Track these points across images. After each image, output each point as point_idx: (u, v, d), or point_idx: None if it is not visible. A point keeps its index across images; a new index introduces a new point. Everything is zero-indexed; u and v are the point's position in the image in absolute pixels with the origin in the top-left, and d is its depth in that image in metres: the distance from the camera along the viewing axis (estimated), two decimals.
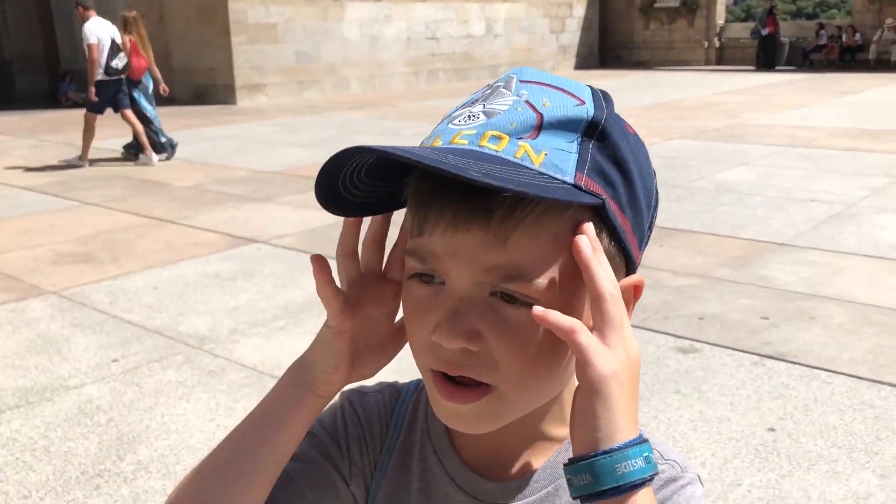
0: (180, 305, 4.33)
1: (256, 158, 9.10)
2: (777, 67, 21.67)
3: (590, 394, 0.60)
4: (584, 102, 0.65)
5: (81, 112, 9.30)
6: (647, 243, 0.73)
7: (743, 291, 4.31)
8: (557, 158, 0.62)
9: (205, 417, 3.09)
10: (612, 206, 0.64)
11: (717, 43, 23.63)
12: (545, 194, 0.59)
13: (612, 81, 18.48)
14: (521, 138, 0.62)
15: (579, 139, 0.63)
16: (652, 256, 4.96)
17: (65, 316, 4.22)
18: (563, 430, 0.76)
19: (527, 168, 0.61)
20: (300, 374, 0.73)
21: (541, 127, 0.63)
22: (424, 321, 0.66)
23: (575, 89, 0.67)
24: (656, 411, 3.02)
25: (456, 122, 0.66)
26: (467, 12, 19.79)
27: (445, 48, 19.40)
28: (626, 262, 0.69)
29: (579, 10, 23.07)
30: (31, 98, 17.12)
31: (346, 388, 0.84)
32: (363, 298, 0.72)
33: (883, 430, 2.85)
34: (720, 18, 23.89)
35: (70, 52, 17.07)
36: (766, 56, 21.67)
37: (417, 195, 0.66)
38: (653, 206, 0.71)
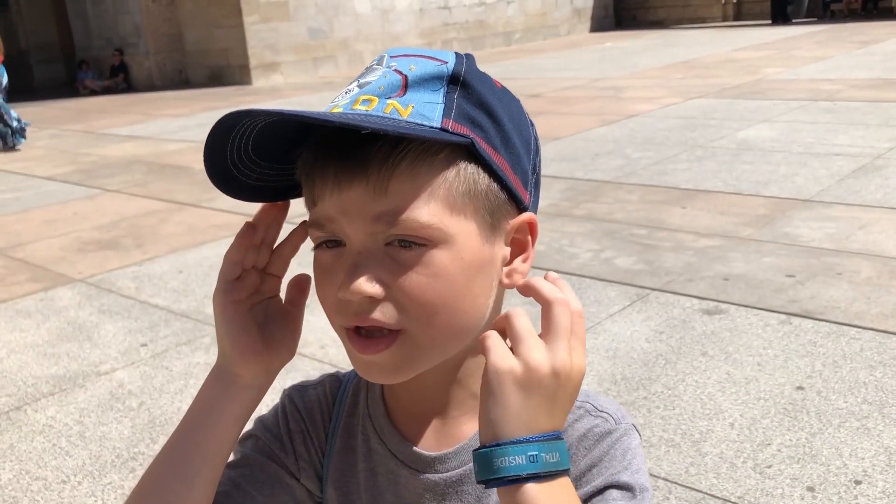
0: (206, 288, 4.37)
1: None
2: (794, 20, 21.22)
3: (485, 387, 0.64)
4: (446, 62, 0.69)
5: (101, 100, 9.36)
6: (534, 186, 0.76)
7: (767, 250, 4.27)
8: (424, 109, 0.66)
9: None
10: (482, 146, 0.68)
11: None
12: (407, 131, 0.63)
13: (629, 42, 18.23)
14: (389, 98, 0.67)
15: (444, 90, 0.68)
16: (674, 218, 4.92)
17: (93, 303, 4.28)
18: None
19: (395, 119, 0.65)
20: (219, 369, 0.75)
21: (406, 86, 0.67)
22: (332, 283, 0.69)
23: (440, 55, 0.71)
24: (683, 374, 3.01)
25: (334, 100, 0.70)
26: None
27: (458, 17, 19.21)
28: (514, 202, 0.72)
29: None
30: (50, 87, 17.24)
31: (288, 386, 0.88)
32: (243, 283, 0.76)
33: None
34: None
35: (85, 40, 17.12)
36: (774, 9, 21.22)
37: (305, 167, 0.70)
38: (533, 151, 0.75)
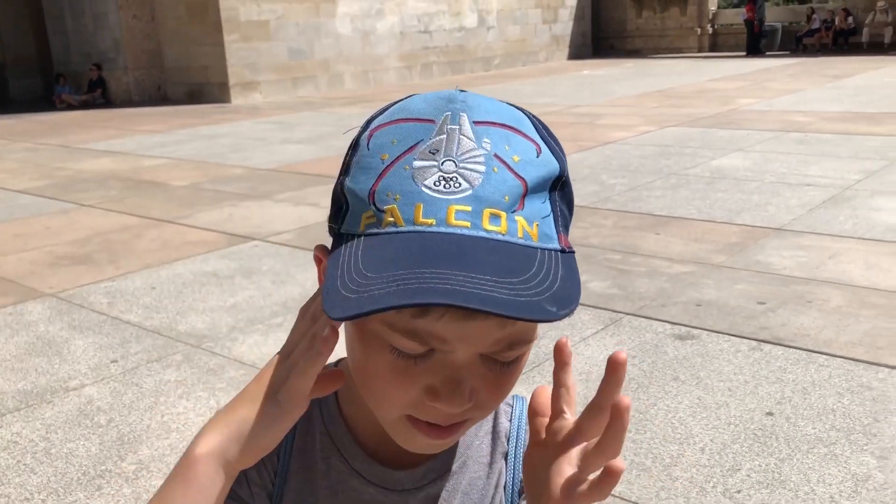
0: (178, 305, 4.33)
1: (252, 156, 9.10)
2: (768, 53, 21.62)
3: None
4: (539, 148, 0.65)
5: (77, 114, 9.29)
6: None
7: (740, 277, 4.32)
8: (544, 225, 0.63)
9: (205, 416, 3.09)
10: (567, 248, 0.66)
11: (709, 30, 23.59)
12: (569, 309, 0.58)
13: (606, 70, 18.46)
14: (514, 212, 0.61)
15: (548, 195, 0.64)
16: (648, 244, 4.97)
17: (63, 318, 4.23)
18: None
19: (532, 249, 0.61)
20: (228, 466, 0.67)
21: (525, 195, 0.62)
22: (406, 385, 0.65)
23: (523, 126, 0.66)
24: (655, 398, 3.03)
25: (431, 184, 0.61)
26: (460, 4, 19.75)
27: (438, 41, 19.36)
28: None
29: (571, 0, 23.02)
30: (26, 101, 17.09)
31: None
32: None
33: (881, 411, 2.86)
34: (712, 5, 23.84)
35: (63, 54, 17.03)
36: (748, 41, 21.64)
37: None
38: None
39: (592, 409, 0.62)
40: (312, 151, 9.19)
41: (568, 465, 0.61)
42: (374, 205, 0.62)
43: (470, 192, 0.61)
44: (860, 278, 4.22)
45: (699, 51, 23.30)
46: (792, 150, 7.88)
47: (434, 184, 0.61)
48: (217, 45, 15.09)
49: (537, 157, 0.64)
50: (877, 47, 20.67)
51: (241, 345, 3.76)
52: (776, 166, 7.12)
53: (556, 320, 0.57)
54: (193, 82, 15.66)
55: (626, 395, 0.65)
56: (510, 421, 0.83)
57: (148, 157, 9.41)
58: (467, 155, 0.62)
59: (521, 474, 0.80)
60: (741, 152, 7.86)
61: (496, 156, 0.62)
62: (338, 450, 0.80)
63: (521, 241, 0.61)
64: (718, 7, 24.49)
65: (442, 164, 0.61)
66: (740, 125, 9.52)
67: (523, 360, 0.67)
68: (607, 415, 0.59)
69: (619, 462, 0.57)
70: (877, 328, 3.57)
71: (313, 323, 0.69)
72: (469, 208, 0.60)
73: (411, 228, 0.60)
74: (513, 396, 0.83)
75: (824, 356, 3.32)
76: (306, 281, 4.59)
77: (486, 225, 0.60)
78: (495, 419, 0.83)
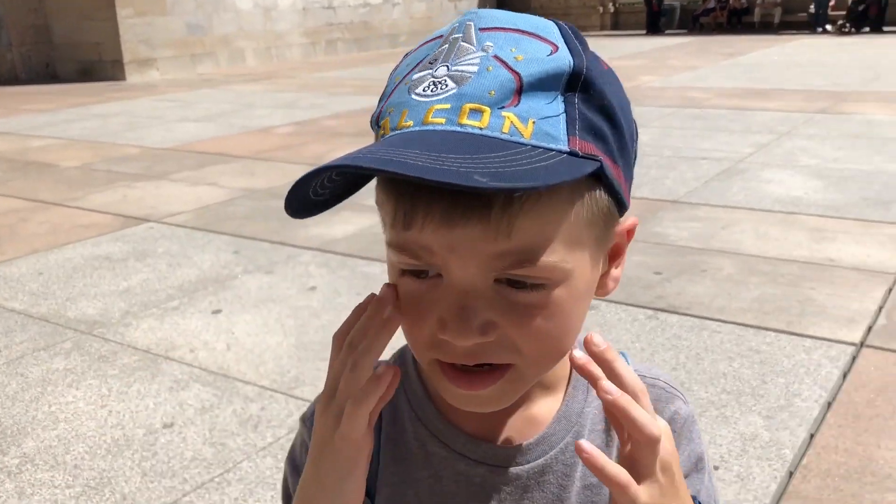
0: (68, 290, 4.14)
1: (148, 135, 8.76)
2: (667, 32, 22.21)
3: (649, 468, 0.61)
4: (557, 48, 0.58)
5: None
6: (632, 180, 0.68)
7: (638, 249, 4.42)
8: (546, 125, 0.56)
9: (96, 404, 2.97)
10: (607, 163, 0.59)
11: (611, 8, 24.04)
12: (554, 181, 0.53)
13: None
14: (503, 108, 0.56)
15: (563, 95, 0.57)
16: None
17: None
18: (561, 374, 0.76)
19: (519, 144, 0.55)
20: None
21: (521, 90, 0.56)
22: (425, 318, 0.61)
23: (544, 31, 0.60)
24: None
25: (420, 90, 0.58)
26: None
27: (343, 17, 19.08)
28: (620, 208, 0.66)
29: None
30: None
31: (303, 412, 0.80)
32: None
33: (768, 373, 2.98)
34: None
35: None
36: (648, 20, 22.23)
37: (393, 188, 0.59)
38: (635, 140, 0.67)
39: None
40: (212, 130, 8.92)
41: None
42: (378, 124, 0.61)
43: (454, 91, 0.57)
44: (750, 247, 4.38)
45: (601, 29, 23.72)
46: (689, 125, 8.11)
47: (423, 90, 0.58)
48: (109, 19, 14.45)
49: (549, 55, 0.58)
50: (767, 26, 21.52)
51: (135, 330, 3.62)
52: (674, 141, 7.32)
53: (483, 191, 0.51)
54: (85, 59, 14.96)
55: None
56: None
57: (36, 136, 8.95)
58: (463, 58, 0.58)
59: None
60: (641, 128, 7.86)
61: (496, 56, 0.58)
62: (433, 435, 0.75)
63: (505, 136, 0.56)
64: None
65: (436, 70, 0.59)
66: (641, 102, 9.74)
67: (557, 298, 0.60)
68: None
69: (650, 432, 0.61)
70: (765, 294, 3.71)
71: (352, 352, 0.63)
72: (448, 106, 0.57)
73: (392, 134, 0.58)
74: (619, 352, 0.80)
75: (717, 322, 3.44)
76: (203, 263, 4.46)
77: (463, 119, 0.56)
78: None
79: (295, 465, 0.78)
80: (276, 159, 7.18)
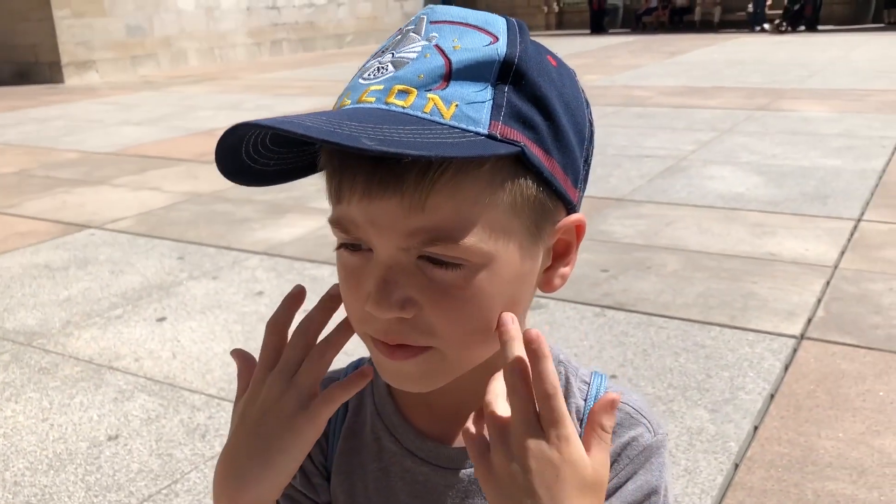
0: (6, 300, 4.02)
1: (88, 139, 8.56)
2: (610, 31, 22.52)
3: (533, 475, 0.59)
4: (497, 39, 0.60)
5: None
6: (585, 179, 0.69)
7: (584, 247, 4.47)
8: (470, 109, 0.58)
9: (37, 418, 2.89)
10: (534, 151, 0.60)
11: (556, 8, 24.26)
12: (452, 153, 0.54)
13: None
14: (429, 90, 0.58)
15: (493, 83, 0.59)
16: None
17: None
18: None
19: (436, 123, 0.57)
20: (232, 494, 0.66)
21: (450, 76, 0.58)
22: (358, 291, 0.63)
23: (490, 25, 0.62)
24: None
25: (366, 76, 0.62)
26: None
27: (287, 17, 18.89)
28: (561, 202, 0.65)
29: None
30: None
31: None
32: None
33: (713, 367, 3.04)
34: None
35: None
36: (592, 20, 22.53)
37: (330, 162, 0.62)
38: (587, 139, 0.68)
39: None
40: (154, 133, 8.75)
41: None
42: (336, 106, 0.63)
43: (391, 74, 0.60)
44: (694, 243, 4.46)
45: (546, 29, 23.93)
46: (632, 123, 8.23)
47: (368, 75, 0.62)
48: (45, 20, 14.07)
49: (485, 45, 0.60)
50: (708, 25, 21.95)
51: (77, 340, 3.53)
52: (618, 139, 7.41)
53: (367, 153, 0.52)
54: (21, 61, 14.55)
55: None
56: (584, 400, 0.76)
57: None
58: (408, 47, 0.61)
59: None
60: None
61: (436, 46, 0.60)
62: (388, 429, 0.77)
63: (425, 116, 0.57)
64: None
65: (383, 56, 0.62)
66: None
67: (479, 281, 0.61)
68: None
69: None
70: (709, 289, 3.79)
71: (305, 336, 0.68)
72: (381, 87, 0.60)
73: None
74: (591, 373, 0.78)
75: (663, 318, 3.49)
76: (147, 269, 4.37)
77: (390, 99, 0.59)
78: (567, 397, 0.75)
79: None
80: None
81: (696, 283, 3.88)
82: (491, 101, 0.58)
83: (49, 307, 3.91)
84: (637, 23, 22.95)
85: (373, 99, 0.59)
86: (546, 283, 0.69)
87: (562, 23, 24.18)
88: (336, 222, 0.63)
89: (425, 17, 0.63)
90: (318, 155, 0.64)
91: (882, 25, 20.80)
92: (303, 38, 19.33)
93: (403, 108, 0.58)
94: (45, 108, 11.21)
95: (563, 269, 0.70)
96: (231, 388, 3.03)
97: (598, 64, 14.21)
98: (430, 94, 0.58)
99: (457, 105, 0.58)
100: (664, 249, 4.37)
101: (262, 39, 18.28)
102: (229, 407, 2.90)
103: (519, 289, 0.65)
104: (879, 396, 2.81)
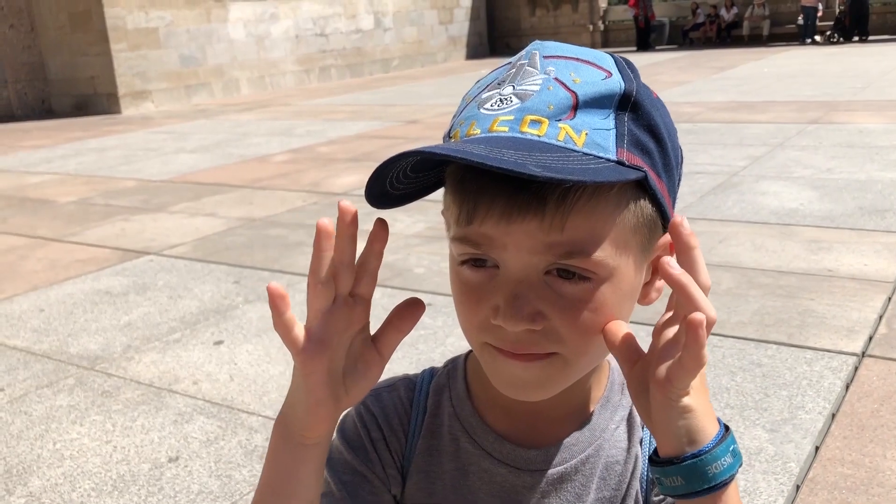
0: (69, 326, 4.14)
1: (145, 167, 8.80)
2: (657, 48, 22.37)
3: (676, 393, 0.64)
4: (611, 74, 0.67)
5: None
6: (676, 199, 0.75)
7: None
8: (598, 137, 0.64)
9: (101, 440, 2.97)
10: (651, 176, 0.66)
11: (601, 26, 24.22)
12: (600, 179, 0.60)
13: None
14: (559, 120, 0.64)
15: (614, 113, 0.65)
16: None
17: None
18: (588, 385, 0.80)
19: (572, 151, 0.62)
20: (286, 431, 0.70)
21: (577, 106, 0.64)
22: (480, 304, 0.67)
23: (599, 60, 0.68)
24: None
25: (488, 106, 0.66)
26: (355, 7, 19.65)
27: (335, 44, 19.22)
28: (664, 222, 0.71)
29: (466, 0, 23.23)
30: None
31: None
32: (332, 327, 0.66)
33: (770, 386, 2.99)
34: (603, 2, 24.48)
35: None
36: (638, 37, 22.40)
37: (463, 186, 0.66)
38: (680, 163, 0.74)
39: (664, 327, 0.66)
40: (208, 160, 8.96)
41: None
42: (449, 136, 0.68)
43: (518, 105, 0.65)
44: (748, 260, 4.40)
45: (591, 47, 23.84)
46: (682, 139, 8.03)
47: (490, 105, 0.66)
48: (104, 54, 14.55)
49: (603, 79, 0.66)
50: (756, 39, 21.67)
51: (138, 364, 3.62)
52: None
53: (536, 179, 0.57)
54: (80, 94, 15.05)
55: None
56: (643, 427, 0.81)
57: (32, 173, 8.98)
58: (528, 79, 0.67)
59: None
60: None
61: (556, 78, 0.66)
62: (466, 431, 0.81)
63: (560, 143, 0.63)
64: (609, 4, 25.16)
65: (503, 90, 0.67)
66: None
67: (602, 293, 0.66)
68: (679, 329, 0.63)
69: (695, 315, 0.59)
70: (764, 307, 3.72)
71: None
72: (511, 117, 0.64)
73: (461, 140, 0.66)
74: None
75: (718, 337, 3.44)
76: (204, 294, 4.47)
77: (524, 128, 0.64)
78: (632, 405, 0.81)
79: (332, 464, 0.82)
80: (273, 187, 7.21)
81: (751, 300, 3.82)
82: (614, 130, 0.65)
83: (110, 332, 4.02)
84: (684, 38, 22.77)
85: (505, 128, 0.64)
86: (644, 296, 0.75)
87: (607, 41, 24.11)
88: (465, 239, 0.67)
89: (537, 52, 0.69)
90: (433, 180, 0.70)
91: None
92: (350, 63, 19.63)
93: (539, 136, 0.63)
94: (103, 138, 11.56)
95: (659, 283, 0.75)
96: None
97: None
98: (560, 124, 0.63)
99: (586, 133, 0.63)
100: (718, 267, 4.32)
101: (311, 66, 18.61)
102: None
103: (630, 301, 0.71)
104: None
